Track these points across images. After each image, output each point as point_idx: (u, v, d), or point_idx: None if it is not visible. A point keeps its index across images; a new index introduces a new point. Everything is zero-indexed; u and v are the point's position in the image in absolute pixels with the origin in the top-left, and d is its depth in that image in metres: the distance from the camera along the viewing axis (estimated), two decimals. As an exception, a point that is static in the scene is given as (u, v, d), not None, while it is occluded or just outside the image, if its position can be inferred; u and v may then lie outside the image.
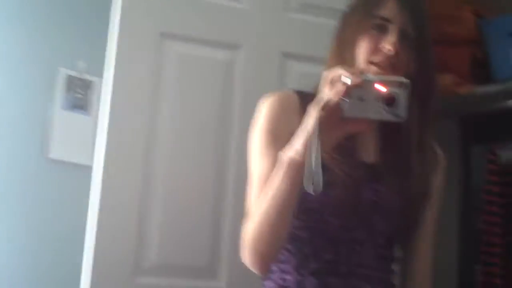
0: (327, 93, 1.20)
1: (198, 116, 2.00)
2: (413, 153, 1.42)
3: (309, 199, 1.30)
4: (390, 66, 1.34)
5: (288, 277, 1.39)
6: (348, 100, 1.18)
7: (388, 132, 1.44)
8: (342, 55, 1.41)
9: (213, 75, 2.03)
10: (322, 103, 1.20)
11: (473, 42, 2.49)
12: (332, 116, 1.20)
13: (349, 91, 1.18)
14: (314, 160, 1.20)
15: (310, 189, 1.20)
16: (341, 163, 1.35)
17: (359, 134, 1.40)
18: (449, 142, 2.71)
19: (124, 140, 1.93)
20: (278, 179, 1.28)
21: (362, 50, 1.37)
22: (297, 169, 1.23)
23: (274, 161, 1.33)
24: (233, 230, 1.96)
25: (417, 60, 1.38)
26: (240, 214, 1.41)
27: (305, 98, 1.43)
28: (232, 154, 2.02)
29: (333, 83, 1.20)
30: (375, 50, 1.36)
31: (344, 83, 1.18)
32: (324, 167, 1.27)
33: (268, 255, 1.35)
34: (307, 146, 1.22)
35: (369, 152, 1.45)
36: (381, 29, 1.37)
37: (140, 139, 1.95)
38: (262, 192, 1.33)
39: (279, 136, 1.39)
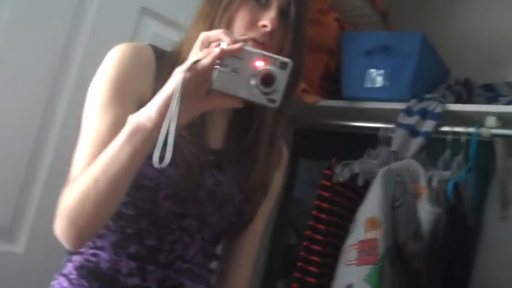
0: (198, 54, 1.03)
1: (33, 55, 1.72)
2: (261, 144, 1.30)
3: (144, 174, 1.14)
4: (263, 44, 1.21)
5: (102, 253, 1.22)
6: (220, 68, 1.01)
7: (240, 118, 1.32)
8: (213, 21, 1.24)
9: (59, 14, 1.77)
10: (189, 63, 1.02)
11: (331, 52, 2.40)
12: (197, 82, 1.03)
13: (223, 57, 1.01)
14: (170, 129, 1.01)
15: (156, 163, 1.01)
16: (189, 142, 1.19)
17: (210, 115, 1.27)
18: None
19: None
20: (118, 145, 1.06)
21: (238, 22, 1.23)
22: (145, 137, 1.04)
23: (115, 120, 1.15)
24: (45, 192, 1.74)
25: (292, 44, 1.26)
26: (58, 174, 1.22)
27: (162, 57, 1.26)
28: (63, 102, 1.76)
29: (208, 45, 1.04)
30: (252, 24, 1.22)
31: (221, 48, 1.01)
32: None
33: (88, 231, 1.13)
34: (162, 113, 1.02)
35: (217, 137, 1.31)
36: (261, 1, 1.24)
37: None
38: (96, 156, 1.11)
39: (125, 93, 1.20)
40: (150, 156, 1.05)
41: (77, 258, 1.25)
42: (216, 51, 1.01)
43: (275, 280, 2.62)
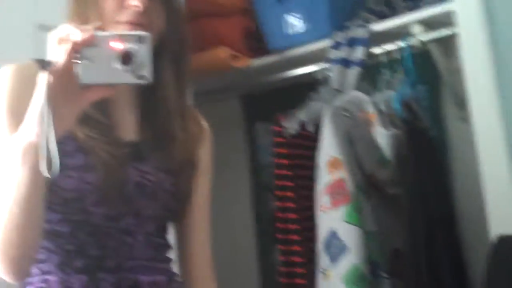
0: (54, 55, 1.01)
1: None
2: (173, 120, 1.29)
3: (66, 187, 1.14)
4: (139, 24, 1.20)
5: (50, 277, 1.20)
6: (79, 62, 0.99)
7: (146, 105, 1.31)
8: (86, 17, 1.22)
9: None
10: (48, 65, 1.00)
11: (245, 12, 2.38)
12: (62, 83, 1.01)
13: (77, 49, 0.99)
14: (46, 137, 1.00)
15: (46, 173, 1.01)
16: (101, 142, 1.18)
17: (116, 110, 1.26)
18: (233, 121, 2.67)
19: None
20: (16, 169, 1.06)
21: (109, 9, 1.21)
22: (35, 152, 1.02)
23: None
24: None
25: (167, 17, 1.26)
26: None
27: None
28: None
29: (61, 42, 1.01)
30: (121, 7, 1.21)
31: (73, 41, 0.99)
32: (80, 149, 1.15)
33: (22, 259, 1.13)
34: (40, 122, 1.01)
35: (129, 129, 1.29)
36: None
37: None
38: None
39: (22, 116, 1.14)
40: (65, 168, 1.03)
41: None
42: (67, 46, 0.99)
43: (271, 247, 2.61)
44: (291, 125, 2.19)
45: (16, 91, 1.20)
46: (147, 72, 1.02)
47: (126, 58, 1.01)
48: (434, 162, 2.10)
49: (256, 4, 2.34)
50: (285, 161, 2.20)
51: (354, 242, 1.88)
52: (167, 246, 1.35)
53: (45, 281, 1.20)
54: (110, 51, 1.01)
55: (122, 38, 1.02)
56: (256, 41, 2.40)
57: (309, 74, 2.29)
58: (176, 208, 1.32)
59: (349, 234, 1.89)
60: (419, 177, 2.00)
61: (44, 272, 1.21)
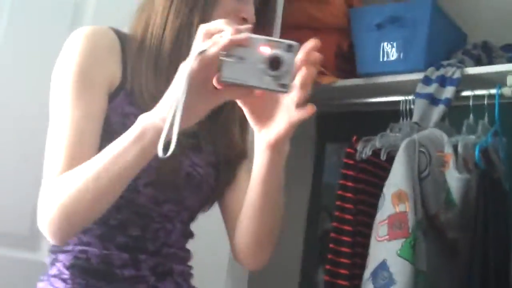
0: (204, 44, 0.98)
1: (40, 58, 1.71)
2: (235, 119, 1.30)
3: None
4: None
5: (90, 249, 1.19)
6: (226, 59, 0.97)
7: None
8: (196, 5, 1.22)
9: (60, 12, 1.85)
10: (196, 54, 0.97)
11: (341, 31, 2.38)
12: (204, 74, 0.98)
13: (230, 46, 0.96)
14: (174, 119, 0.97)
15: (160, 152, 0.97)
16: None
17: None
18: (305, 137, 2.67)
19: None
20: (125, 145, 1.03)
21: (220, 9, 1.22)
22: (157, 135, 0.99)
23: (89, 108, 1.13)
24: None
25: (263, 29, 1.27)
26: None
27: (125, 39, 1.24)
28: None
29: (211, 36, 0.99)
30: (232, 14, 1.22)
31: (229, 38, 0.97)
32: None
33: (79, 227, 1.12)
34: (171, 107, 0.98)
35: None
36: None
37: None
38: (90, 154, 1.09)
39: (95, 79, 1.16)
40: None
41: (65, 257, 1.20)
42: (224, 40, 0.96)
43: (316, 267, 2.60)
44: (364, 150, 2.18)
45: (92, 53, 1.17)
46: (289, 81, 0.98)
47: (273, 64, 0.97)
48: (501, 215, 2.06)
49: (354, 25, 2.35)
50: (350, 184, 2.19)
51: (403, 277, 1.85)
52: (191, 235, 1.35)
53: (85, 252, 1.19)
54: (258, 54, 0.98)
55: (272, 43, 0.98)
56: (346, 62, 2.40)
57: (393, 103, 2.28)
58: (210, 201, 1.32)
59: (400, 268, 1.86)
60: (483, 226, 1.96)
61: (84, 243, 1.20)
